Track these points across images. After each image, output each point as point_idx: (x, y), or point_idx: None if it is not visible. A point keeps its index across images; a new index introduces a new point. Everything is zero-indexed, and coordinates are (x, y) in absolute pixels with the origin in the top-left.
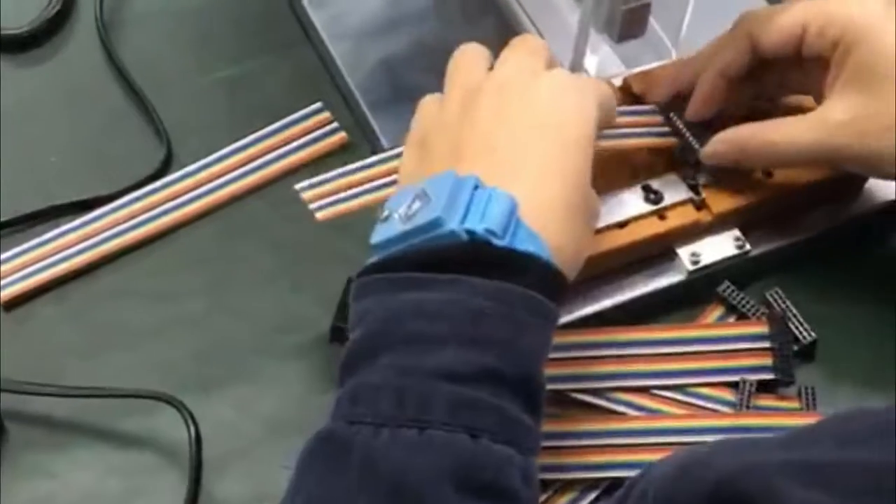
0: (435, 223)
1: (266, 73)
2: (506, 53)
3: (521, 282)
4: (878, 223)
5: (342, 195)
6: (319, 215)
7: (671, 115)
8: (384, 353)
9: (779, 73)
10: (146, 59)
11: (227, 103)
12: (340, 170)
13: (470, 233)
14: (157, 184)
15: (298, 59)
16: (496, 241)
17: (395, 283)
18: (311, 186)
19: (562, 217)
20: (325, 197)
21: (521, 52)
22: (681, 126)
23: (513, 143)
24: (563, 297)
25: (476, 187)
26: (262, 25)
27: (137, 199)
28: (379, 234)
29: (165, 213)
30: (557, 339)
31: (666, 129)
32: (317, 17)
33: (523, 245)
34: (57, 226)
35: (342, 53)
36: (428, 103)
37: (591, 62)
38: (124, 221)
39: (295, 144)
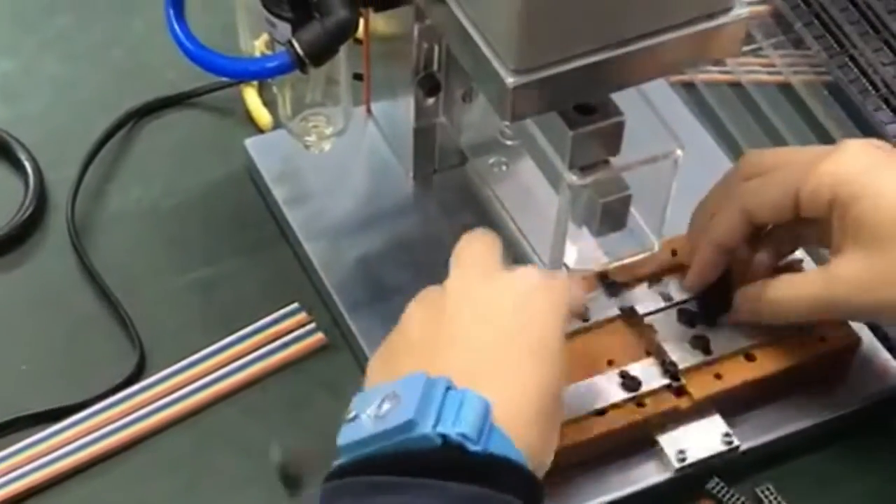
0: (407, 426)
1: (241, 274)
2: (459, 252)
3: (498, 487)
4: (869, 415)
5: None
6: None
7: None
8: None
9: (790, 231)
10: (119, 261)
11: (201, 305)
12: None
13: (443, 437)
14: (130, 390)
15: (274, 258)
16: (471, 447)
17: (367, 486)
18: None
19: (533, 421)
20: None
21: (477, 249)
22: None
23: (483, 346)
24: (539, 502)
25: (448, 388)
26: (236, 225)
27: (110, 406)
28: (346, 436)
29: (138, 420)
30: None
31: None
32: (292, 217)
33: (497, 449)
34: (28, 435)
35: (318, 252)
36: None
37: (570, 253)
38: (96, 430)
39: (271, 346)
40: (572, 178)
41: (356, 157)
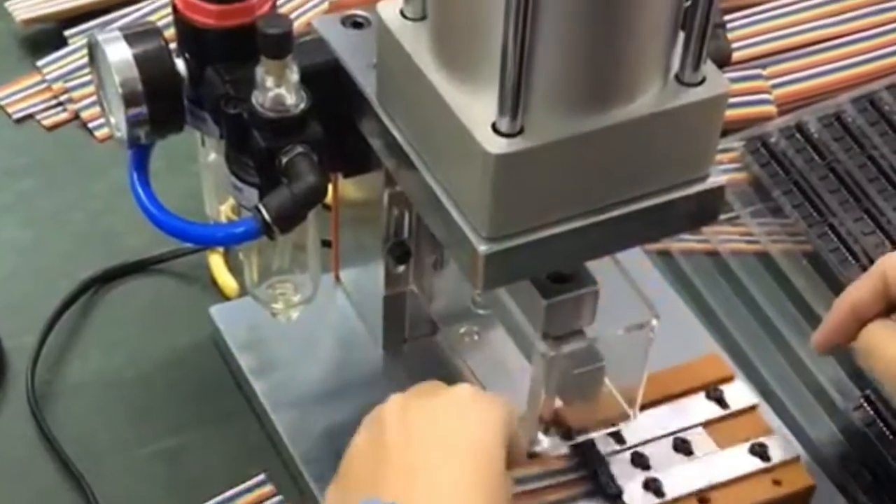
0: None
1: (207, 445)
2: None
3: None
4: None
5: None
6: None
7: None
8: None
9: None
10: (80, 431)
11: (165, 477)
12: None
13: None
14: None
15: (240, 429)
16: None
17: None
18: None
19: None
20: None
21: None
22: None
23: (425, 465)
24: None
25: None
26: (201, 395)
27: None
28: None
29: None
30: None
31: None
32: (259, 386)
33: None
34: None
35: (285, 423)
36: None
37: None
38: None
39: None
40: (545, 348)
41: (324, 326)
